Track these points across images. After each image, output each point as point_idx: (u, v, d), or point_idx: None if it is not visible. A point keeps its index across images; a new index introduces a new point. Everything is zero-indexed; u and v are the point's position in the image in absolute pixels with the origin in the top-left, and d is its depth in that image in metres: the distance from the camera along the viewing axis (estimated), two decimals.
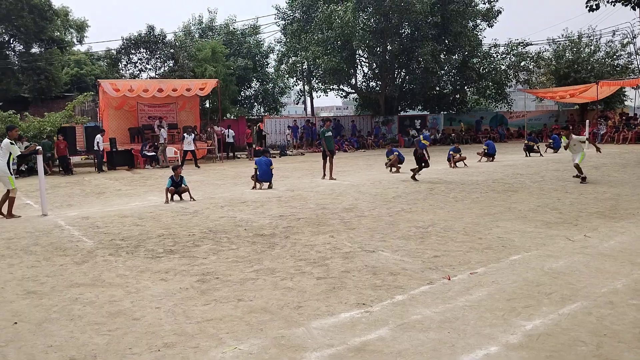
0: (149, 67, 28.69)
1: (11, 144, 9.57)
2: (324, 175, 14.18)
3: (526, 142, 20.68)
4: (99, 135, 19.27)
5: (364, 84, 34.36)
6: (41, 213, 9.80)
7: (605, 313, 4.12)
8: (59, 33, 32.28)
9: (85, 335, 4.01)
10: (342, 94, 36.04)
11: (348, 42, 27.87)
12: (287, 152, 26.75)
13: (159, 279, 5.41)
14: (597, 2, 16.27)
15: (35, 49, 31.19)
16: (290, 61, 32.52)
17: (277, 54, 34.97)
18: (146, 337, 3.93)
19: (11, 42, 31.00)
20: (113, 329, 4.11)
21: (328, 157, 14.05)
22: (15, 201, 9.72)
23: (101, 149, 19.25)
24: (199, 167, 19.77)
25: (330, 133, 14.47)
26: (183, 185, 11.26)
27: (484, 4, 30.88)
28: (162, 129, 21.14)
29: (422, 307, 4.36)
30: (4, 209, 9.55)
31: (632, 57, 32.96)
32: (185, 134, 20.42)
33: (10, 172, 9.52)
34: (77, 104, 22.05)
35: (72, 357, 3.63)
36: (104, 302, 4.73)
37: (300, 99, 40.52)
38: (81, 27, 33.34)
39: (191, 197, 11.11)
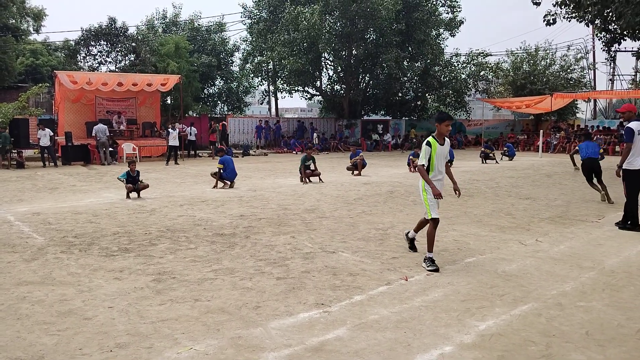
0: (109, 60, 27.94)
1: None
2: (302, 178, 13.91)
3: (483, 149, 21.27)
4: (40, 131, 18.58)
5: (328, 86, 34.53)
6: None
7: (555, 314, 4.28)
8: (14, 20, 31.00)
9: (32, 335, 3.85)
10: (306, 95, 36.10)
11: (314, 45, 27.95)
12: (250, 152, 26.55)
13: (112, 277, 5.26)
14: (554, 17, 16.90)
15: None
16: (256, 61, 32.32)
17: (243, 52, 34.73)
18: (98, 337, 3.81)
19: None
20: (63, 328, 3.96)
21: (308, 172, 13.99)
22: None
23: (45, 144, 18.50)
24: (178, 164, 19.54)
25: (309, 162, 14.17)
26: (140, 182, 11.01)
27: (447, 13, 31.63)
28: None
29: (380, 307, 4.41)
30: None
31: (585, 72, 34.49)
32: (169, 129, 20.04)
33: None
34: (32, 95, 21.24)
35: (19, 358, 3.47)
36: (53, 301, 4.55)
37: (264, 99, 40.37)
38: (38, 16, 32.11)
39: (139, 194, 10.85)
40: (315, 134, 30.50)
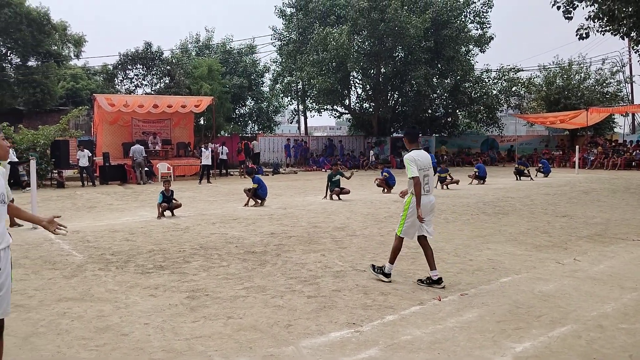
0: (145, 83, 28.85)
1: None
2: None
3: (517, 165, 20.91)
4: (79, 152, 19.28)
5: (357, 104, 34.71)
6: (31, 226, 9.71)
7: (595, 336, 4.14)
8: (56, 47, 32.36)
9: (72, 350, 3.96)
10: (335, 114, 36.38)
11: (342, 64, 28.20)
12: (280, 170, 26.79)
13: (148, 294, 5.37)
14: (587, 31, 16.58)
15: (32, 62, 31.23)
16: (285, 81, 32.84)
17: (273, 73, 35.35)
18: (134, 353, 3.89)
19: (8, 54, 31.04)
20: (101, 344, 4.06)
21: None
22: None
23: (84, 165, 19.15)
24: (210, 182, 19.99)
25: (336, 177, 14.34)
26: (174, 201, 11.24)
27: (477, 30, 31.48)
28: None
29: (413, 327, 4.36)
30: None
31: (621, 85, 33.63)
32: (202, 149, 20.63)
33: None
34: (72, 117, 22.02)
35: None
36: (92, 317, 4.68)
37: (294, 118, 40.79)
38: (79, 42, 33.45)
39: (172, 213, 11.05)
40: (372, 152, 30.64)
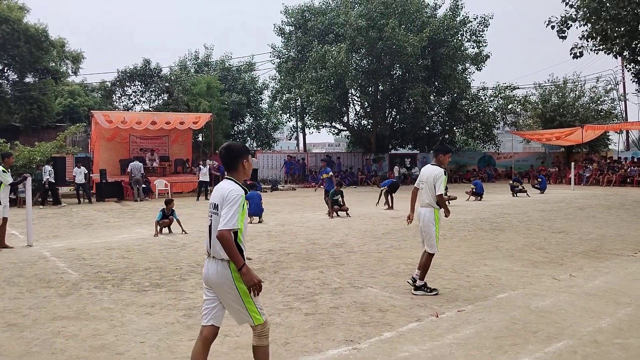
0: (143, 99, 29.02)
1: (3, 172, 9.29)
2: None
3: (510, 182, 21.06)
4: (76, 168, 19.27)
5: (355, 121, 34.90)
6: (26, 244, 9.67)
7: (591, 352, 4.14)
8: (54, 64, 32.53)
9: None
10: (334, 131, 36.54)
11: (341, 81, 28.43)
12: (279, 186, 26.80)
13: (144, 312, 5.35)
14: (580, 50, 16.80)
15: (29, 79, 31.36)
16: (284, 98, 33.03)
17: (272, 90, 35.56)
18: None
19: (5, 71, 31.18)
20: None
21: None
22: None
23: (80, 181, 19.12)
24: (208, 199, 19.92)
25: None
26: (171, 217, 11.22)
27: (473, 48, 31.82)
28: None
29: (410, 344, 4.35)
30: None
31: (615, 103, 33.95)
32: (200, 166, 20.68)
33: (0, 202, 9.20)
34: (69, 134, 22.07)
35: None
36: (87, 336, 4.65)
37: (293, 134, 40.95)
38: (77, 59, 33.63)
39: (183, 230, 11.06)
40: (396, 167, 30.78)
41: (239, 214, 3.23)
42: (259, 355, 3.41)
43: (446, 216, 6.22)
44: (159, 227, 10.92)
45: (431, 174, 6.05)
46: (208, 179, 20.65)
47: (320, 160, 32.36)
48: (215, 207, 3.36)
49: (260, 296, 3.35)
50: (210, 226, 3.40)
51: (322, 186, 15.47)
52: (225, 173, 3.50)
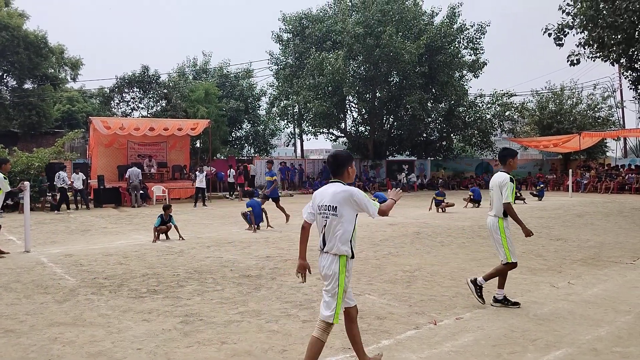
0: (141, 106, 29.02)
1: (4, 178, 9.22)
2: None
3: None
4: (74, 174, 19.20)
5: (353, 128, 34.98)
6: (24, 249, 9.64)
7: None
8: (53, 70, 32.58)
9: None
10: (331, 137, 36.58)
11: (338, 88, 28.52)
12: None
13: (141, 319, 5.32)
14: (577, 57, 16.91)
15: (28, 85, 31.39)
16: (282, 104, 33.12)
17: (269, 97, 35.64)
18: None
19: (4, 77, 31.21)
20: None
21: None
22: None
23: (78, 187, 19.06)
24: (206, 205, 19.94)
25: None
26: (169, 224, 11.20)
27: (470, 56, 31.98)
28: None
29: (408, 352, 4.33)
30: None
31: (613, 110, 34.11)
32: (197, 172, 20.71)
33: None
34: (67, 140, 22.04)
35: None
36: (84, 342, 4.63)
37: (290, 141, 41.00)
38: (76, 65, 33.69)
39: (180, 237, 11.04)
40: (403, 174, 30.83)
41: (369, 201, 3.77)
42: (317, 346, 3.71)
43: (525, 234, 5.83)
44: (156, 233, 10.90)
45: (497, 180, 5.75)
46: (204, 186, 20.64)
47: (316, 165, 32.37)
48: (330, 208, 3.76)
49: (342, 300, 3.77)
50: (325, 226, 3.79)
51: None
52: (331, 177, 3.95)
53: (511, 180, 5.64)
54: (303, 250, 4.03)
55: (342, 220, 3.70)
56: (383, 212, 3.78)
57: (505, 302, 5.65)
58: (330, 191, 3.78)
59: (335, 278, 3.71)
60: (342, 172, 3.87)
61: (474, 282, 5.85)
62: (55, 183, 18.57)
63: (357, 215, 3.81)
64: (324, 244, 3.79)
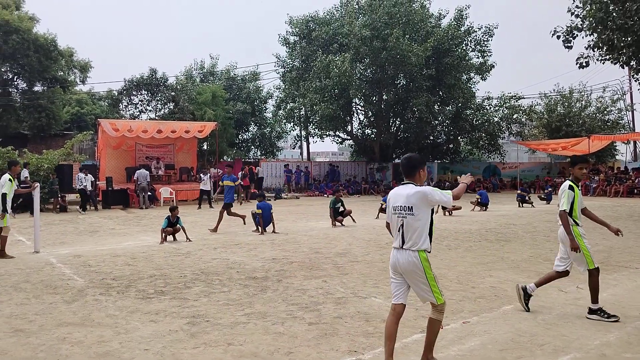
0: (149, 108, 29.17)
1: (9, 180, 9.14)
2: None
3: (519, 192, 20.98)
4: (83, 176, 19.32)
5: (359, 131, 34.96)
6: (33, 250, 9.72)
7: None
8: (62, 73, 32.86)
9: None
10: (338, 140, 36.60)
11: (345, 91, 28.52)
12: (282, 195, 26.83)
13: (148, 320, 5.35)
14: (587, 60, 16.79)
15: (38, 87, 31.67)
16: (288, 107, 33.18)
17: (276, 99, 35.74)
18: None
19: (15, 79, 31.52)
20: None
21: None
22: (7, 239, 9.21)
23: (87, 187, 19.18)
24: (212, 207, 20.01)
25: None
26: (178, 226, 11.26)
27: (478, 58, 31.88)
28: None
29: (415, 356, 4.33)
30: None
31: (622, 113, 33.86)
32: (201, 174, 20.82)
33: (6, 209, 9.01)
34: (76, 142, 22.22)
35: None
36: (92, 343, 4.66)
37: (296, 143, 41.06)
38: (85, 68, 33.96)
39: (187, 238, 11.08)
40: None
41: (442, 193, 4.02)
42: (433, 326, 4.07)
43: (571, 248, 5.37)
44: (164, 235, 10.95)
45: (561, 188, 5.59)
46: (209, 188, 20.67)
47: (292, 168, 32.31)
48: (405, 208, 4.04)
49: (437, 281, 4.08)
50: (402, 225, 4.06)
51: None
52: (404, 178, 4.23)
53: (570, 188, 5.46)
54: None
55: (418, 218, 3.99)
56: (456, 196, 4.09)
57: (601, 313, 5.34)
58: (405, 193, 4.06)
59: (420, 272, 3.99)
60: (414, 174, 4.15)
61: (524, 289, 5.61)
62: (75, 185, 18.79)
63: (432, 211, 4.13)
64: (403, 242, 4.05)
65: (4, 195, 9.00)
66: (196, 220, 15.37)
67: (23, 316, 5.49)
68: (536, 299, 6.12)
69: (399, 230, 4.08)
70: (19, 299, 6.21)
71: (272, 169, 31.35)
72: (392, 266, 4.16)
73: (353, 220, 14.06)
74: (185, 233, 11.19)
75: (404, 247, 4.04)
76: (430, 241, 4.05)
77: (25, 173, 18.13)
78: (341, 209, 14.09)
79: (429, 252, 4.06)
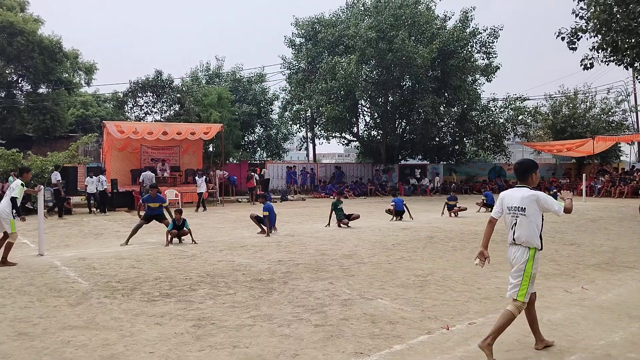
0: (154, 110, 29.21)
1: (22, 185, 9.04)
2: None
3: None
4: (88, 178, 19.35)
5: (365, 132, 34.96)
6: (37, 253, 9.74)
7: None
8: (67, 75, 33.02)
9: None
10: (343, 141, 36.60)
11: (351, 92, 28.52)
12: (288, 197, 26.83)
13: (153, 323, 5.35)
14: (591, 61, 16.71)
15: (42, 89, 31.83)
16: (294, 109, 33.22)
17: (282, 101, 35.76)
18: None
19: (19, 81, 31.68)
20: None
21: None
22: (12, 247, 8.89)
23: (92, 191, 19.21)
24: (205, 209, 19.96)
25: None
26: (185, 229, 11.27)
27: (483, 60, 31.82)
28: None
29: (421, 357, 4.31)
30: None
31: (627, 114, 33.72)
32: (196, 177, 20.75)
33: (13, 215, 8.86)
34: (81, 144, 22.30)
35: None
36: (96, 346, 4.66)
37: (302, 145, 41.06)
38: (90, 70, 34.12)
39: (193, 240, 11.10)
40: (426, 178, 30.95)
41: (553, 202, 4.32)
42: (506, 317, 4.26)
43: None
44: (169, 237, 10.97)
45: None
46: (204, 190, 20.57)
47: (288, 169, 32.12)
48: (519, 209, 4.38)
49: (532, 282, 4.32)
50: (515, 224, 4.40)
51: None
52: (518, 182, 4.55)
53: None
54: (486, 241, 4.64)
55: (530, 219, 4.32)
56: (568, 210, 4.33)
57: None
58: (519, 195, 4.41)
59: (522, 265, 4.31)
60: (527, 177, 4.48)
61: None
62: (95, 187, 18.90)
63: (542, 213, 4.40)
64: (514, 239, 4.40)
65: (14, 199, 8.92)
66: (202, 222, 15.39)
67: (27, 319, 5.50)
68: (541, 300, 6.08)
69: (511, 228, 4.44)
70: (23, 302, 6.23)
71: (278, 170, 31.37)
72: (509, 260, 4.52)
73: (350, 223, 14.02)
74: (192, 235, 11.20)
75: (516, 242, 4.40)
76: (541, 241, 4.36)
77: (57, 176, 18.23)
78: (343, 210, 14.17)
79: (539, 250, 4.37)
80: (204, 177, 20.99)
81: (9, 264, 8.67)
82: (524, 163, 4.57)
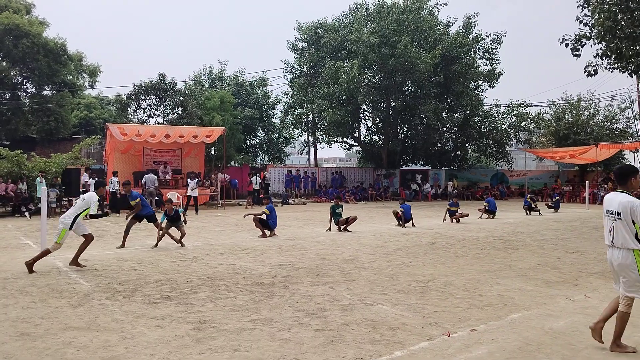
0: (157, 113, 29.29)
1: (97, 201, 9.07)
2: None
3: (527, 199, 20.87)
4: (90, 180, 19.30)
5: (367, 137, 34.98)
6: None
7: None
8: (71, 77, 33.15)
9: None
10: (345, 146, 36.62)
11: (353, 97, 28.56)
12: (289, 201, 26.82)
13: (154, 325, 5.35)
14: (595, 68, 16.70)
15: (47, 91, 31.94)
16: (296, 113, 33.27)
17: (284, 105, 35.83)
18: None
19: (24, 83, 31.81)
20: None
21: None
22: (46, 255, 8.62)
23: (118, 190, 19.20)
24: (197, 213, 19.86)
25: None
26: (181, 225, 11.30)
27: (486, 66, 31.84)
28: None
29: None
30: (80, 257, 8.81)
31: (631, 122, 33.66)
32: (188, 180, 20.65)
33: (70, 227, 8.69)
34: (84, 146, 22.36)
35: None
36: (97, 347, 4.66)
37: (304, 149, 41.10)
38: (94, 72, 34.24)
39: (179, 240, 11.05)
40: (428, 184, 30.86)
41: None
42: (622, 318, 4.52)
43: None
44: (162, 232, 11.00)
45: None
46: (196, 194, 20.30)
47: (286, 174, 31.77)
48: (616, 213, 4.50)
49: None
50: (613, 227, 4.53)
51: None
52: (618, 186, 4.65)
53: None
54: None
55: (626, 223, 4.42)
56: None
57: None
58: (618, 200, 4.53)
59: (633, 267, 4.42)
60: (626, 182, 4.57)
61: None
62: (107, 188, 18.95)
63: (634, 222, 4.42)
64: (613, 242, 4.53)
65: (92, 215, 9.12)
66: (203, 225, 15.40)
67: (29, 320, 5.51)
68: (544, 308, 6.07)
69: (610, 231, 4.55)
70: (25, 303, 6.23)
71: (280, 174, 31.37)
72: (608, 261, 4.66)
73: (348, 227, 14.01)
74: (181, 233, 11.16)
75: (616, 245, 4.51)
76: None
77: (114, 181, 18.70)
78: (342, 214, 14.21)
79: None
80: (197, 179, 20.70)
81: (32, 271, 8.27)
82: (622, 168, 4.68)
